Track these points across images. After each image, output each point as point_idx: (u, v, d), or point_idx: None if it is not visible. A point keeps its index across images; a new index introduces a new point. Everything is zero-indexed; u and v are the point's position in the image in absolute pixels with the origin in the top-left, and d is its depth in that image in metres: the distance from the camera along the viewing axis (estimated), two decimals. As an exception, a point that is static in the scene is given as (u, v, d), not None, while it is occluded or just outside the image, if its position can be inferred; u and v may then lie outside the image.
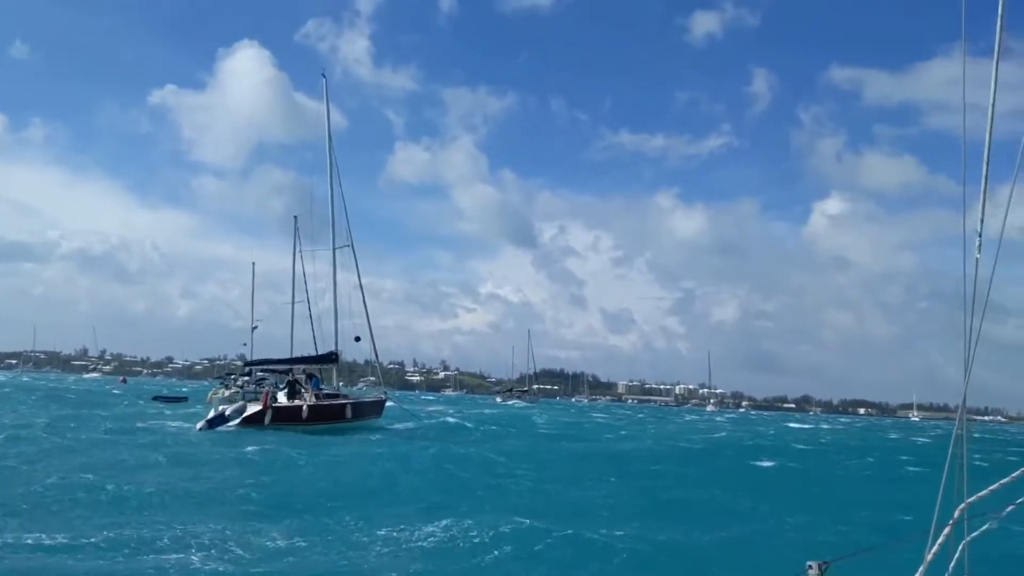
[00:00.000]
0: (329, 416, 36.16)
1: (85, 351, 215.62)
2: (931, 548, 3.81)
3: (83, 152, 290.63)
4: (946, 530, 3.78)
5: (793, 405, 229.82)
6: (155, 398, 52.43)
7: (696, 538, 11.95)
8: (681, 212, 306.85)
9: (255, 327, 55.23)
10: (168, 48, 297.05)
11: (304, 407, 35.52)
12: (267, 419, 34.25)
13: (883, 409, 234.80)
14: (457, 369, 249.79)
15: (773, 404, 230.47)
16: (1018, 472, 3.88)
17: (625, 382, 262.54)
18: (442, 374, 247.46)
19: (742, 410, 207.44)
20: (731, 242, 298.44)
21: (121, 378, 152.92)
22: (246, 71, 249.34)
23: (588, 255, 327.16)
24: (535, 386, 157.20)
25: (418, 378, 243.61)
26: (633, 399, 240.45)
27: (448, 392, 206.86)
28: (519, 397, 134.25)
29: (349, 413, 37.29)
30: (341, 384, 58.88)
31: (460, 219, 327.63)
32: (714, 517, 14.25)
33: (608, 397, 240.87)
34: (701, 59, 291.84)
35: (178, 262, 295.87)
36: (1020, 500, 3.87)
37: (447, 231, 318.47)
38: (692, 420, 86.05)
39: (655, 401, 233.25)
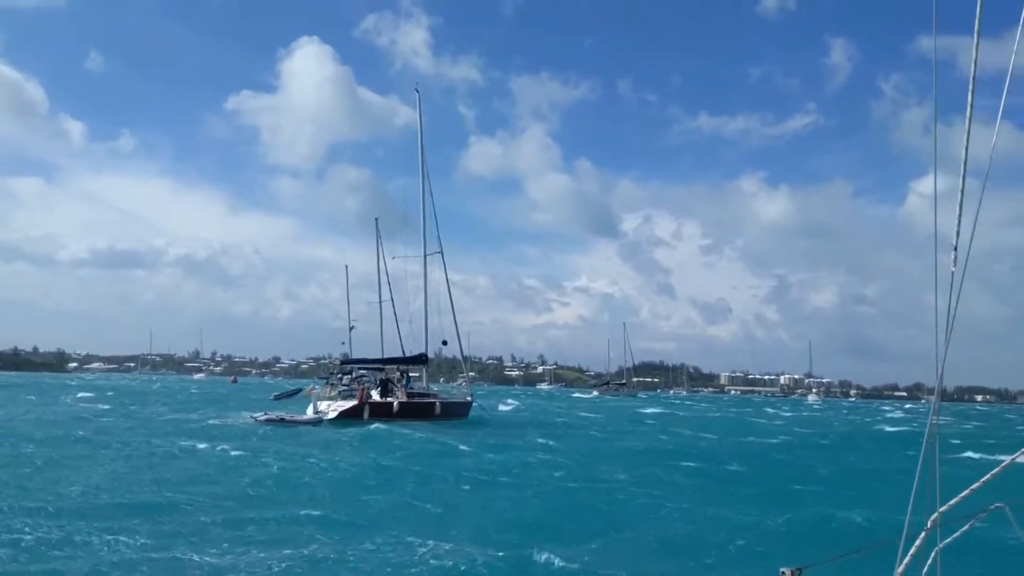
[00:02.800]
0: (419, 413, 37.75)
1: (197, 353, 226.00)
2: (902, 559, 3.82)
3: (178, 160, 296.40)
4: (918, 541, 3.80)
5: (904, 393, 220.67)
6: (275, 397, 55.38)
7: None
8: (768, 196, 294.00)
9: (352, 327, 56.68)
10: (229, 51, 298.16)
11: (395, 403, 37.56)
12: (365, 414, 36.41)
13: (1003, 396, 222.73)
14: (555, 363, 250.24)
15: (882, 392, 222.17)
16: (989, 475, 3.86)
17: (727, 373, 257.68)
18: (540, 368, 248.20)
19: (851, 399, 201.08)
20: (823, 225, 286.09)
21: (231, 378, 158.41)
22: (310, 70, 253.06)
23: (676, 244, 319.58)
24: (634, 379, 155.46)
25: (516, 373, 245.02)
26: (736, 390, 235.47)
27: (543, 386, 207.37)
28: (616, 391, 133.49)
29: (438, 410, 39.13)
30: (442, 380, 59.63)
31: (542, 212, 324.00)
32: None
33: (710, 389, 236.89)
34: (773, 32, 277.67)
35: (278, 265, 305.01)
36: (993, 507, 3.84)
37: (530, 225, 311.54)
38: (774, 413, 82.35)
39: (759, 392, 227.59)
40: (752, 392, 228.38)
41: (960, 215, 3.59)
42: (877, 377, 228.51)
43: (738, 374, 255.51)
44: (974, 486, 3.82)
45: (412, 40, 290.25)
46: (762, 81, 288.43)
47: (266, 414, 35.81)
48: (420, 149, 45.77)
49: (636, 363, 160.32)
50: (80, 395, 58.55)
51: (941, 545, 3.81)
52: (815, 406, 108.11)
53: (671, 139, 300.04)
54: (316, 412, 36.70)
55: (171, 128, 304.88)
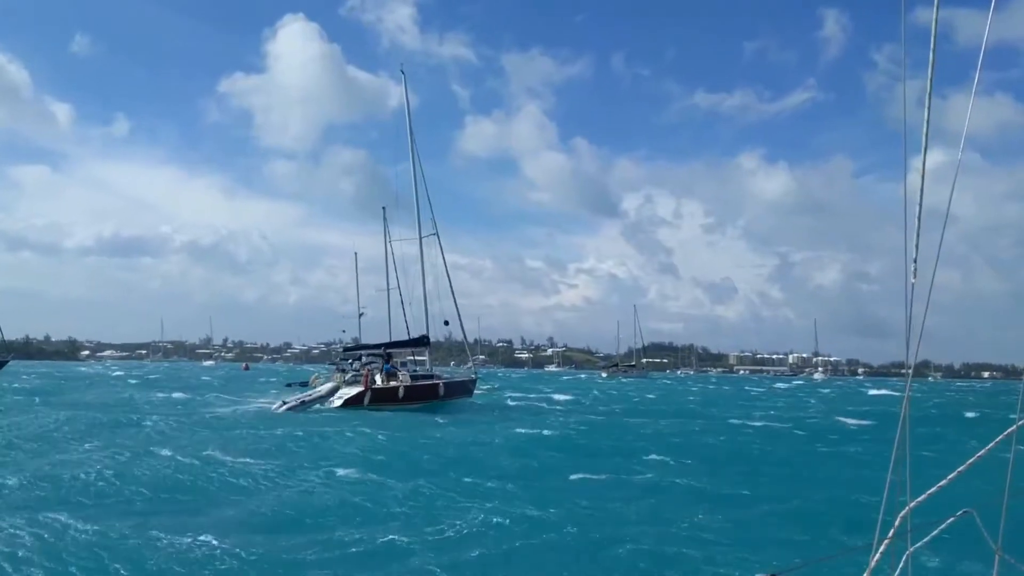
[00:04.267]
0: (424, 395, 37.87)
1: (209, 339, 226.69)
2: (873, 559, 3.78)
3: (178, 146, 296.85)
4: (886, 542, 3.75)
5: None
6: (288, 385, 56.26)
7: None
8: (767, 173, 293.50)
9: (362, 314, 56.81)
10: (214, 31, 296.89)
11: (400, 388, 37.49)
12: (366, 400, 36.02)
13: (1009, 372, 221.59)
14: (565, 345, 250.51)
15: (890, 370, 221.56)
16: (964, 466, 3.78)
17: (736, 353, 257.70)
18: (549, 351, 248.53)
19: (859, 377, 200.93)
20: (824, 202, 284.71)
21: (244, 365, 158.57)
22: (298, 49, 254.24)
23: (678, 224, 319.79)
24: (644, 360, 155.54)
25: (526, 355, 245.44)
26: (745, 370, 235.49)
27: (552, 368, 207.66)
28: (626, 372, 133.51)
29: (442, 391, 39.25)
30: (452, 363, 59.75)
31: (540, 192, 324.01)
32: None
33: (719, 369, 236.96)
34: (764, 4, 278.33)
35: (284, 250, 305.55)
36: (961, 512, 3.79)
37: (530, 206, 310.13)
38: (763, 392, 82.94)
39: (768, 371, 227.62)
40: (761, 371, 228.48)
41: (922, 200, 3.49)
42: (884, 355, 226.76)
43: (747, 353, 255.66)
44: (942, 483, 3.76)
45: (398, 17, 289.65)
46: (757, 56, 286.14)
47: (285, 403, 35.63)
48: (408, 130, 45.49)
49: (646, 344, 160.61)
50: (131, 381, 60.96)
51: (912, 549, 3.77)
52: (819, 384, 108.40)
53: (668, 116, 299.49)
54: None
55: (166, 112, 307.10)
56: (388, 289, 49.06)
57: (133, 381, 64.24)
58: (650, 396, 62.19)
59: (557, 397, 53.74)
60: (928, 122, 3.70)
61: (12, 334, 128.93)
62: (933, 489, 3.74)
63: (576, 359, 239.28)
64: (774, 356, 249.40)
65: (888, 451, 3.66)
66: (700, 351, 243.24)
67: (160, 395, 44.64)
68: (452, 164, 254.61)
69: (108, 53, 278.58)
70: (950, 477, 3.74)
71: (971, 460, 3.66)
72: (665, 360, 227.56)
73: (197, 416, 30.43)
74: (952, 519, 3.75)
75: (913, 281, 3.68)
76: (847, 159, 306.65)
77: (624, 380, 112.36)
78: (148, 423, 25.77)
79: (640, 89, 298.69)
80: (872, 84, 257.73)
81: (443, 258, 44.19)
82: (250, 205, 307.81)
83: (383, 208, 50.66)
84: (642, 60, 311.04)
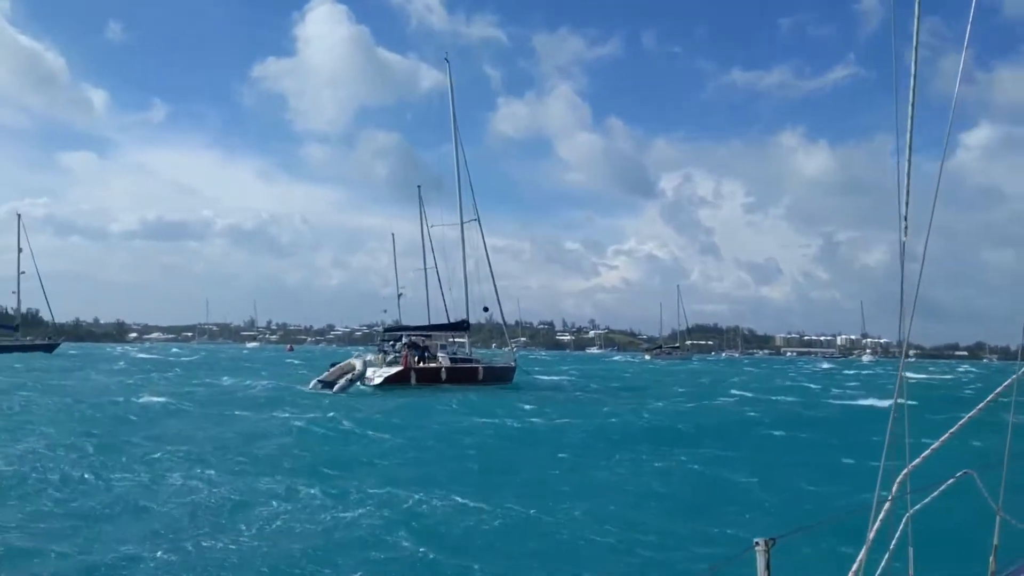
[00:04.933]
0: (464, 378, 38.18)
1: (252, 322, 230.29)
2: (873, 523, 3.71)
3: (217, 130, 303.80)
4: (886, 505, 3.66)
5: (965, 353, 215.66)
6: (332, 365, 56.92)
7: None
8: (808, 151, 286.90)
9: (400, 295, 57.38)
10: (243, 15, 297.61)
11: (443, 369, 38.27)
12: (413, 379, 37.04)
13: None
14: (607, 327, 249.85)
15: (943, 352, 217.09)
16: (955, 427, 3.68)
17: (783, 335, 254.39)
18: (591, 333, 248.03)
19: (910, 359, 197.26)
20: (867, 181, 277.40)
21: (288, 346, 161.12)
22: (329, 31, 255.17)
23: (718, 203, 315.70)
24: (687, 342, 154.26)
25: (567, 337, 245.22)
26: (792, 352, 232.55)
27: (593, 350, 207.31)
28: (669, 354, 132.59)
29: (481, 376, 39.67)
30: (494, 345, 60.17)
31: (577, 174, 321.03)
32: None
33: (765, 351, 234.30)
34: None
35: (326, 233, 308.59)
36: (960, 473, 3.70)
37: (566, 187, 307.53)
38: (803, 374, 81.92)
39: (815, 353, 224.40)
40: (808, 353, 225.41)
41: (908, 180, 3.40)
42: (937, 337, 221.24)
43: (793, 335, 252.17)
44: (935, 445, 3.66)
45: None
46: (794, 31, 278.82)
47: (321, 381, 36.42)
48: (452, 119, 46.06)
49: (691, 326, 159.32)
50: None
51: (912, 511, 3.70)
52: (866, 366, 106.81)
53: (703, 94, 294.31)
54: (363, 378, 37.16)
55: (202, 98, 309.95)
56: (425, 269, 49.47)
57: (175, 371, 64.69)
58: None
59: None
60: (915, 91, 3.58)
61: (62, 317, 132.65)
62: (927, 452, 3.64)
63: (619, 341, 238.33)
64: (822, 338, 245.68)
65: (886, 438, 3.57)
66: (746, 333, 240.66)
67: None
68: (487, 146, 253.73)
69: (141, 40, 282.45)
70: (945, 437, 3.65)
71: (964, 419, 3.56)
72: (710, 342, 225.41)
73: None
74: (952, 480, 3.67)
75: (904, 239, 3.61)
76: (890, 136, 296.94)
77: (659, 362, 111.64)
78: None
79: (672, 66, 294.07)
80: (909, 59, 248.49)
81: (484, 243, 44.51)
82: (290, 189, 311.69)
83: (418, 187, 51.03)
84: (674, 38, 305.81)
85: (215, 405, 27.27)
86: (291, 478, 13.53)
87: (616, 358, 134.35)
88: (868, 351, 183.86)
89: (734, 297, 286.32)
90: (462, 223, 44.73)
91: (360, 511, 11.21)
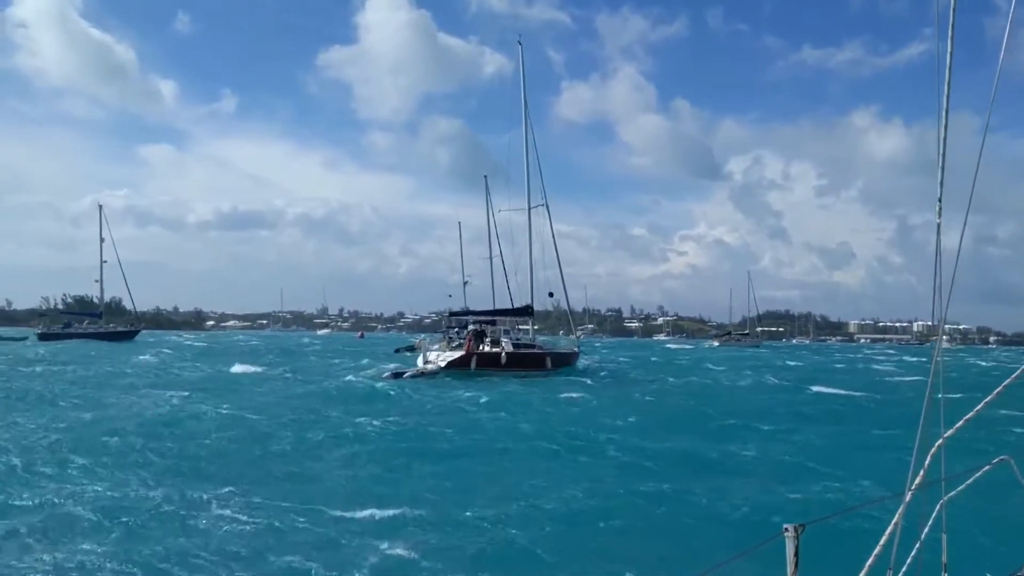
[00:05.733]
0: (525, 363, 38.22)
1: (325, 309, 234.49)
2: (903, 510, 3.59)
3: (286, 120, 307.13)
4: (916, 483, 3.54)
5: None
6: (396, 350, 58.31)
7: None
8: (881, 131, 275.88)
9: (467, 283, 57.98)
10: (306, 5, 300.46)
11: (503, 354, 38.17)
12: (473, 364, 37.11)
13: None
14: (676, 314, 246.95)
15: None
16: (992, 396, 3.53)
17: (856, 321, 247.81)
18: (660, 320, 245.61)
19: (991, 345, 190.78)
20: (946, 162, 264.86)
21: (359, 333, 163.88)
22: (390, 18, 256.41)
23: (789, 186, 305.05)
24: (758, 329, 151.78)
25: (635, 324, 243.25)
26: (866, 338, 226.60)
27: (661, 337, 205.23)
28: (739, 340, 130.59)
29: (547, 363, 39.45)
30: (561, 332, 60.35)
31: (641, 158, 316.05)
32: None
33: (838, 337, 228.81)
34: None
35: (395, 222, 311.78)
36: (997, 460, 3.55)
37: (631, 171, 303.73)
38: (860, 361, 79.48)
39: (891, 340, 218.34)
40: (883, 339, 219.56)
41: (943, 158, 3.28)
42: (1019, 322, 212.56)
43: (868, 322, 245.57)
44: (968, 415, 3.53)
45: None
46: (867, 6, 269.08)
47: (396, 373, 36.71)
48: (523, 103, 46.02)
49: (761, 312, 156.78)
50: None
51: (946, 498, 3.57)
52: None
53: (771, 73, 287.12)
54: (426, 363, 37.47)
55: (269, 88, 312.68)
56: (491, 257, 49.73)
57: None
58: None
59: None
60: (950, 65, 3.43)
61: (143, 305, 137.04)
62: (960, 423, 3.52)
63: (687, 328, 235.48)
64: (897, 324, 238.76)
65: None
66: (818, 319, 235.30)
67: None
68: (549, 129, 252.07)
69: (206, 31, 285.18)
70: (979, 408, 3.51)
71: (1000, 387, 3.40)
72: (781, 328, 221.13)
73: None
74: (988, 467, 3.53)
75: (939, 221, 3.50)
76: (971, 115, 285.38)
77: (723, 348, 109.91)
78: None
79: (738, 44, 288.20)
80: (993, 30, 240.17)
81: (551, 228, 44.40)
82: (359, 178, 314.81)
83: (485, 177, 51.23)
84: (739, 15, 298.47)
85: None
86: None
87: (670, 346, 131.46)
88: (944, 337, 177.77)
89: (806, 283, 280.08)
90: (529, 208, 44.76)
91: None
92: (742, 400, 29.19)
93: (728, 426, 20.56)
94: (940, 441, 3.47)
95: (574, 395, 28.72)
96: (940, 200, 3.46)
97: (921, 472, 3.47)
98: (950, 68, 3.47)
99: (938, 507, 3.59)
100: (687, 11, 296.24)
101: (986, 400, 3.42)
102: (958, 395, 4.13)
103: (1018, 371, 3.39)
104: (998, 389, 3.40)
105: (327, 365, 45.10)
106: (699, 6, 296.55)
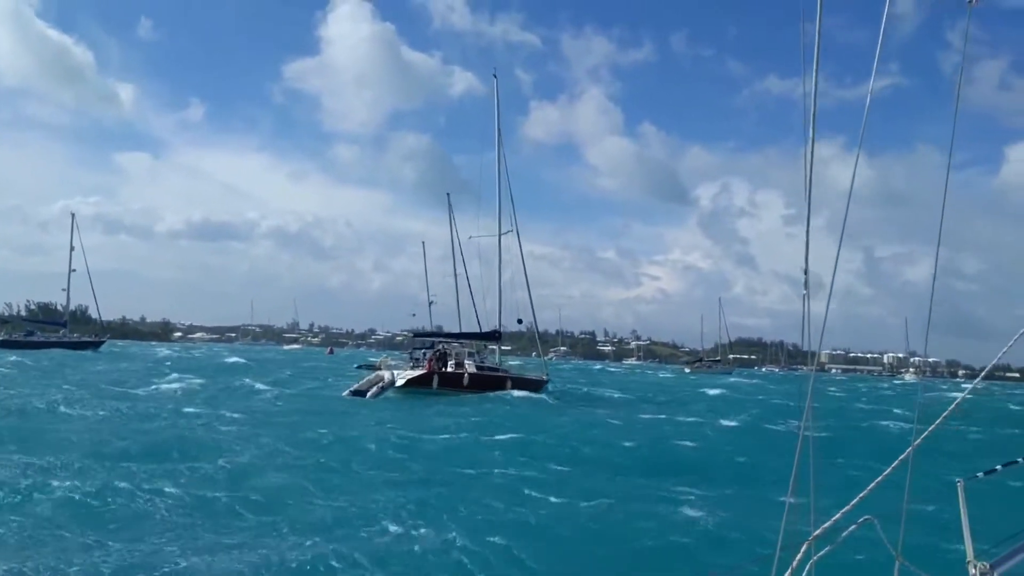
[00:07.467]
0: (488, 385, 38.14)
1: (296, 324, 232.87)
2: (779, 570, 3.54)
3: (256, 132, 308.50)
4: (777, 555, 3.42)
5: (1017, 375, 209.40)
6: (357, 367, 58.32)
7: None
8: (846, 162, 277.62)
9: (432, 302, 57.67)
10: (270, 14, 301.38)
11: (465, 375, 38.31)
12: (435, 383, 37.12)
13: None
14: (649, 339, 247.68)
15: (992, 373, 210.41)
16: (865, 491, 3.46)
17: (828, 351, 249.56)
18: (633, 344, 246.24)
19: (958, 379, 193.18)
20: (909, 195, 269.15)
21: (328, 349, 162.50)
22: (354, 30, 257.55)
23: (757, 214, 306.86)
24: (730, 356, 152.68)
25: (608, 348, 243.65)
26: (837, 369, 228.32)
27: (631, 362, 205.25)
28: (710, 367, 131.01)
29: (508, 385, 39.25)
30: (534, 354, 59.84)
31: (608, 180, 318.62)
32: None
33: (810, 367, 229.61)
34: None
35: (369, 237, 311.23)
36: (862, 520, 3.47)
37: (597, 193, 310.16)
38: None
39: (861, 371, 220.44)
40: (854, 371, 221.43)
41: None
42: (988, 357, 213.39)
43: (839, 352, 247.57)
44: (846, 508, 3.46)
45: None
46: (826, 38, 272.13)
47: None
48: (497, 132, 46.39)
49: (733, 339, 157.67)
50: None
51: (816, 557, 3.47)
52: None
53: (737, 101, 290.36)
54: (383, 382, 36.89)
55: (240, 98, 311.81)
56: (455, 277, 49.52)
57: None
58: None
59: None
60: (815, 98, 3.29)
61: (110, 315, 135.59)
62: (828, 523, 3.50)
63: (660, 353, 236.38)
64: (868, 355, 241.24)
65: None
66: (790, 348, 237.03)
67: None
68: (516, 149, 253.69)
69: (169, 37, 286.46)
70: (849, 506, 3.50)
71: (872, 484, 3.45)
72: (752, 356, 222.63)
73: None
74: (853, 527, 3.45)
75: (805, 292, 3.44)
76: (933, 147, 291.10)
77: (693, 377, 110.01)
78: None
79: (705, 71, 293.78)
80: (947, 65, 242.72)
81: (521, 255, 44.48)
82: (332, 192, 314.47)
83: (447, 195, 51.25)
84: (704, 40, 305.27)
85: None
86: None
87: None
88: (911, 370, 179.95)
89: (777, 311, 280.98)
90: (500, 234, 44.69)
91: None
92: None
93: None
94: (807, 543, 3.45)
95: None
96: (807, 271, 3.45)
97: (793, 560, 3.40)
98: (815, 116, 3.50)
99: (808, 566, 3.49)
100: (651, 34, 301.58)
101: (861, 495, 3.41)
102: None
103: (890, 468, 3.38)
104: (872, 485, 3.38)
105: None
106: (664, 29, 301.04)
